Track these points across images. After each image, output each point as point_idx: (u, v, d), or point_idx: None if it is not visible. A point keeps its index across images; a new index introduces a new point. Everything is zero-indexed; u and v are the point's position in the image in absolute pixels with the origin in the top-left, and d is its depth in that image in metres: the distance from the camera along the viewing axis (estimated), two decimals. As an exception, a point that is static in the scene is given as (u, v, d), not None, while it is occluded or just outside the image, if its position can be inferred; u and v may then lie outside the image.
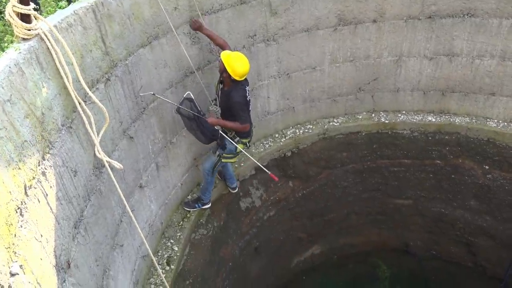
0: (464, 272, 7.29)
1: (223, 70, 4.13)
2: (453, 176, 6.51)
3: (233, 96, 4.23)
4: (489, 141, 6.11)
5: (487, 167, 6.24)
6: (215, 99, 4.52)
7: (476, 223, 6.71)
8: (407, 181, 6.78)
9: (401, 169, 6.68)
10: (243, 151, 4.57)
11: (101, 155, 2.81)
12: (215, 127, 4.35)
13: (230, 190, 5.48)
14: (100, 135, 2.87)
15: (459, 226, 6.91)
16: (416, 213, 7.12)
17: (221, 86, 4.39)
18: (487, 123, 6.14)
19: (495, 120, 6.15)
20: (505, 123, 6.09)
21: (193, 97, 4.08)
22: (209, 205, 5.08)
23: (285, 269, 7.14)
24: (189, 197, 5.13)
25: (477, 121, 6.19)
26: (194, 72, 4.40)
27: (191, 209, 4.95)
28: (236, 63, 4.07)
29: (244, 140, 4.63)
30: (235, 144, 4.50)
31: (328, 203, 6.83)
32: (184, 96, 4.09)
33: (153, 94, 3.87)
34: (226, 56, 4.08)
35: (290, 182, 6.35)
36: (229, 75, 4.11)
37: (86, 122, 2.72)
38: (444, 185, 6.66)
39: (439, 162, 6.49)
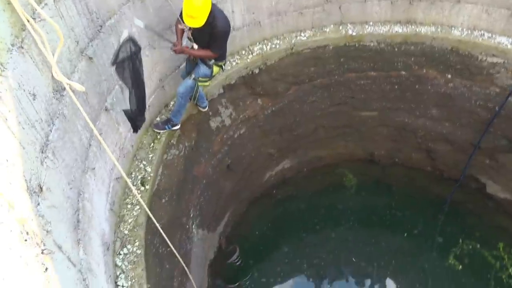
0: (424, 176, 7.84)
1: None
2: (417, 86, 6.68)
3: (218, 25, 4.09)
4: (452, 50, 6.20)
5: (449, 76, 6.41)
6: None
7: (436, 130, 7.07)
8: (373, 94, 6.93)
9: (368, 82, 6.78)
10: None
11: (60, 76, 2.67)
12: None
13: (200, 109, 5.44)
14: (56, 55, 2.69)
15: (421, 134, 7.27)
16: (380, 124, 7.40)
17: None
18: (452, 31, 6.18)
19: (460, 29, 6.19)
20: (469, 31, 6.15)
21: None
22: (179, 126, 5.05)
23: (258, 184, 7.45)
24: (158, 118, 5.07)
25: (442, 30, 6.21)
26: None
27: (161, 131, 4.92)
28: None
29: (220, 63, 4.57)
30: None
31: (296, 119, 6.95)
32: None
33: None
34: None
35: (259, 99, 6.35)
36: None
37: (39, 42, 2.53)
38: (408, 96, 6.86)
39: (404, 73, 6.60)
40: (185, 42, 4.46)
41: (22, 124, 2.32)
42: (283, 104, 6.65)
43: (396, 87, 6.80)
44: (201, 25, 3.95)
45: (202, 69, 4.51)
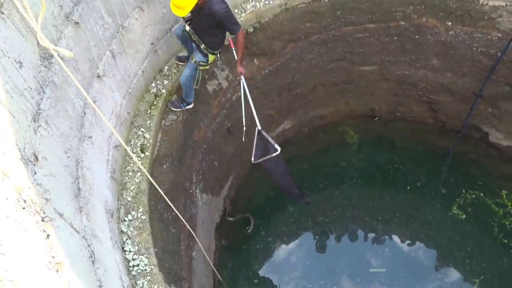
0: (426, 128, 7.78)
1: None
2: (416, 36, 6.49)
3: (216, 11, 4.02)
4: (452, -4, 5.98)
5: (450, 23, 6.21)
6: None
7: (438, 81, 6.94)
8: (372, 47, 6.75)
9: (366, 35, 6.59)
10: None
11: (46, 42, 2.58)
12: None
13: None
14: (40, 20, 2.59)
15: (422, 86, 7.15)
16: (381, 78, 7.27)
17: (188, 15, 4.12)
18: (451, -24, 5.94)
19: (460, -28, 5.94)
20: (469, -26, 5.90)
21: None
22: (192, 105, 5.08)
23: (259, 146, 7.40)
24: (174, 97, 5.08)
25: (441, -26, 5.96)
26: None
27: (177, 109, 4.97)
28: None
29: (215, 52, 4.56)
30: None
31: (294, 78, 6.83)
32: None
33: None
34: None
35: (255, 60, 6.22)
36: None
37: (19, 6, 2.43)
38: (408, 47, 6.69)
39: (403, 23, 6.40)
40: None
41: (10, 92, 2.26)
42: (280, 63, 6.50)
43: (395, 38, 6.61)
44: (185, 15, 3.98)
45: (198, 56, 4.54)
